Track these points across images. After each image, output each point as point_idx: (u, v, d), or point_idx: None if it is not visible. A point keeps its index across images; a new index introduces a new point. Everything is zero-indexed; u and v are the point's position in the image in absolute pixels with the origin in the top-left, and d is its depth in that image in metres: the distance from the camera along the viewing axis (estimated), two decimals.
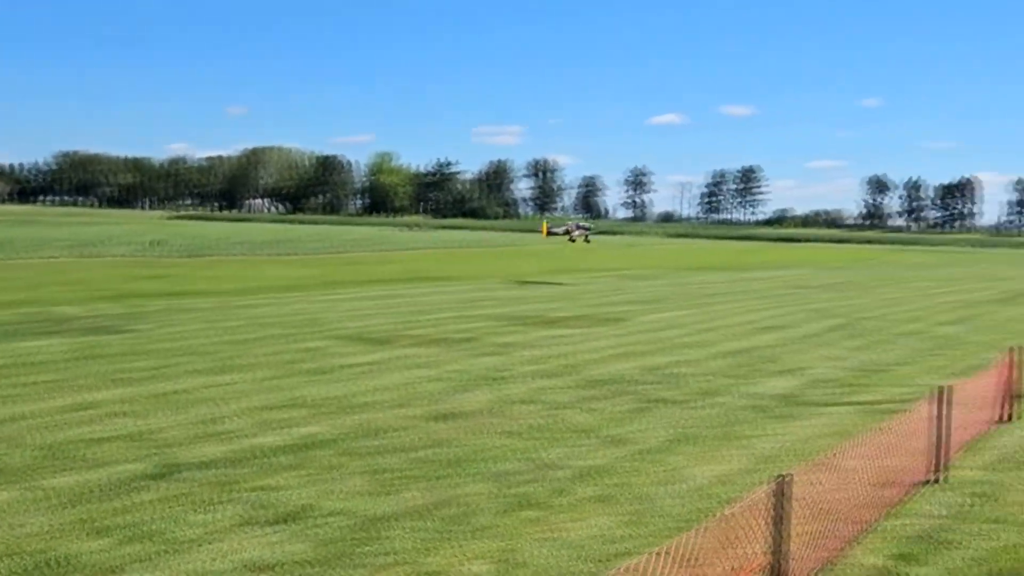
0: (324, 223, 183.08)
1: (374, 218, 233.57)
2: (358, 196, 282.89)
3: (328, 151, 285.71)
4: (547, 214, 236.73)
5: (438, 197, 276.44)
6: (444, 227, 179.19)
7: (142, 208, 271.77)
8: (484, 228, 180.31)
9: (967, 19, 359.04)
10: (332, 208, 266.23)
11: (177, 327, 27.10)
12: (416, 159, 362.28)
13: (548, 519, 10.78)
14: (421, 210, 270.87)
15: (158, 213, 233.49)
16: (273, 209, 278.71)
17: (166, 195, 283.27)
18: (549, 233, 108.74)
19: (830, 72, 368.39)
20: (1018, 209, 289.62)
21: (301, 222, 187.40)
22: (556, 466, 13.03)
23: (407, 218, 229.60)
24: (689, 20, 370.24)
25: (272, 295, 37.58)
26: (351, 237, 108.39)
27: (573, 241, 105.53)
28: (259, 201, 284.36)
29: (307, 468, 12.70)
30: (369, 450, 13.71)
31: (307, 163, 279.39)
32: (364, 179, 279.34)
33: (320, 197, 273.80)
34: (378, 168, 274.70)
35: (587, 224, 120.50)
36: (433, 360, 22.09)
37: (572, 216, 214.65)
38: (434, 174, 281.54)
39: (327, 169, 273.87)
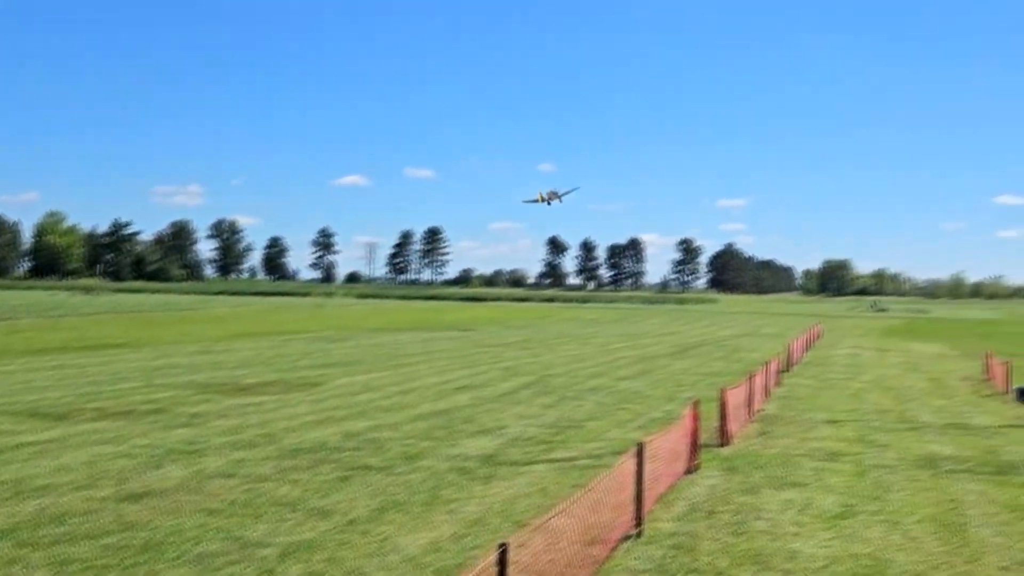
0: None
1: (43, 281, 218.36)
2: (24, 258, 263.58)
3: None
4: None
5: (115, 259, 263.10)
6: (122, 290, 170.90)
7: None
8: (166, 291, 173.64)
9: (630, 89, 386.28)
10: None
11: None
12: (89, 220, 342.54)
13: None
14: (97, 273, 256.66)
15: None
16: None
17: None
18: (541, 199, 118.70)
19: (508, 138, 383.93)
20: (679, 268, 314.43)
21: None
22: (261, 544, 12.47)
23: (81, 281, 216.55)
24: (372, 82, 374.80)
25: None
26: (17, 302, 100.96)
27: (549, 204, 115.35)
28: None
29: None
30: (52, 539, 12.56)
31: None
32: (31, 240, 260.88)
33: None
34: (47, 229, 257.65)
35: (566, 191, 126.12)
36: (119, 435, 20.71)
37: (261, 278, 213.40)
38: (110, 235, 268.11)
39: None
